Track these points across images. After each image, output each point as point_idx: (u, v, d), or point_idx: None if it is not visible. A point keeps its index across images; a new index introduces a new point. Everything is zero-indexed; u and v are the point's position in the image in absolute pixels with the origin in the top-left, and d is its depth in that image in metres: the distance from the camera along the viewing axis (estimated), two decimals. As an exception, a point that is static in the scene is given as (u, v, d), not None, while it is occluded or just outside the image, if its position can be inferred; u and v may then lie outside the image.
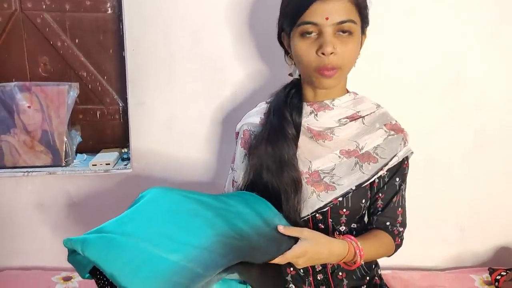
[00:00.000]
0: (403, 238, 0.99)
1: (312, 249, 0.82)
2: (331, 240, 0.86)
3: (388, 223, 0.96)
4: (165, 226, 0.75)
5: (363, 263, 0.95)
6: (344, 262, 0.89)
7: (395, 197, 0.95)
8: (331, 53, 0.85)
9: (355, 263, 0.88)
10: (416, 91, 1.33)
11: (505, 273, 1.29)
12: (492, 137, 1.37)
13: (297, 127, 0.94)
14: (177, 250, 0.71)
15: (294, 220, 0.90)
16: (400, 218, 0.97)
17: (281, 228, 0.83)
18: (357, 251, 0.87)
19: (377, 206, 0.96)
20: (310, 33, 0.86)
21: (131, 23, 1.27)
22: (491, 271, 1.33)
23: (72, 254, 0.76)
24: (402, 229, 0.97)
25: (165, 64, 1.31)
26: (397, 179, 0.95)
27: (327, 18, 0.84)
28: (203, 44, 1.29)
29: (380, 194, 0.96)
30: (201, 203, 0.81)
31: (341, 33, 0.85)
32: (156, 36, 1.28)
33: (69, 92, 1.35)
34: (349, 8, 0.85)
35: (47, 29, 1.33)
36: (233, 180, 1.05)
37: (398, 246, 0.98)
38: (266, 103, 1.03)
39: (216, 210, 0.80)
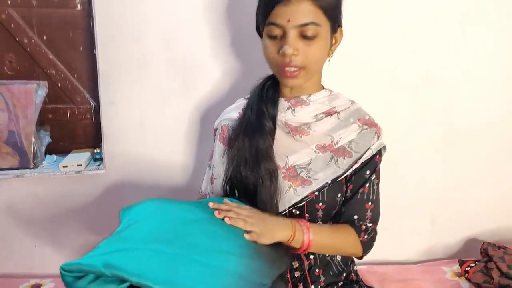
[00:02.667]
0: (372, 236, 0.97)
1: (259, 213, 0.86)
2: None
3: (356, 217, 0.96)
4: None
5: (337, 259, 0.97)
6: (294, 247, 0.89)
7: (363, 188, 0.96)
8: (293, 54, 0.87)
9: (301, 245, 0.88)
10: (389, 89, 1.36)
11: (474, 265, 1.34)
12: (461, 133, 1.42)
13: (273, 119, 0.95)
14: None
15: (271, 212, 0.91)
16: (369, 213, 0.96)
17: (211, 205, 0.85)
18: (304, 227, 0.88)
19: (346, 197, 0.97)
20: (275, 36, 0.88)
21: (101, 20, 1.23)
22: (461, 263, 1.38)
23: (74, 282, 0.70)
24: (371, 225, 0.97)
25: (138, 62, 1.28)
26: (367, 172, 0.96)
27: (288, 21, 0.85)
28: (176, 42, 1.27)
29: (349, 184, 0.97)
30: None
31: (304, 37, 0.87)
32: (128, 34, 1.25)
33: (37, 91, 1.30)
34: (313, 11, 0.86)
35: (13, 25, 1.28)
36: (211, 177, 1.04)
37: (365, 244, 0.96)
38: (245, 99, 1.03)
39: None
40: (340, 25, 0.94)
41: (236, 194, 0.97)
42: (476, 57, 1.37)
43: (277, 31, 0.87)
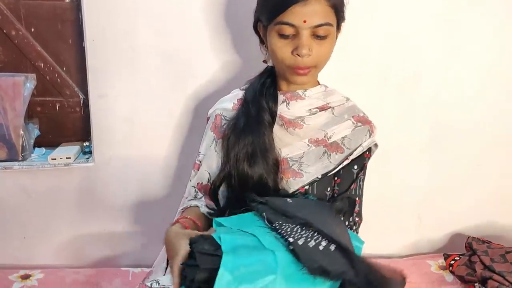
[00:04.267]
0: (357, 231, 0.98)
1: None
2: None
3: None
4: None
5: None
6: None
7: (352, 184, 0.97)
8: (307, 54, 0.86)
9: None
10: (378, 87, 1.38)
11: (458, 258, 1.37)
12: (447, 130, 1.44)
13: (273, 115, 0.96)
14: None
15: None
16: (356, 208, 0.98)
17: None
18: None
19: (334, 192, 0.98)
20: (287, 35, 0.87)
21: (90, 12, 1.23)
22: (446, 257, 1.41)
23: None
24: (357, 219, 0.98)
25: (128, 55, 1.28)
26: (355, 166, 0.97)
27: (305, 21, 0.85)
28: (167, 35, 1.27)
29: (336, 178, 0.97)
30: None
31: (316, 36, 0.87)
32: (117, 27, 1.25)
33: (26, 84, 1.29)
34: (327, 12, 0.86)
35: (0, 17, 1.27)
36: (197, 163, 1.01)
37: None
38: (240, 90, 1.03)
39: None
40: (343, 22, 0.93)
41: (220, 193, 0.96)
42: (463, 56, 1.39)
43: (289, 31, 0.86)
